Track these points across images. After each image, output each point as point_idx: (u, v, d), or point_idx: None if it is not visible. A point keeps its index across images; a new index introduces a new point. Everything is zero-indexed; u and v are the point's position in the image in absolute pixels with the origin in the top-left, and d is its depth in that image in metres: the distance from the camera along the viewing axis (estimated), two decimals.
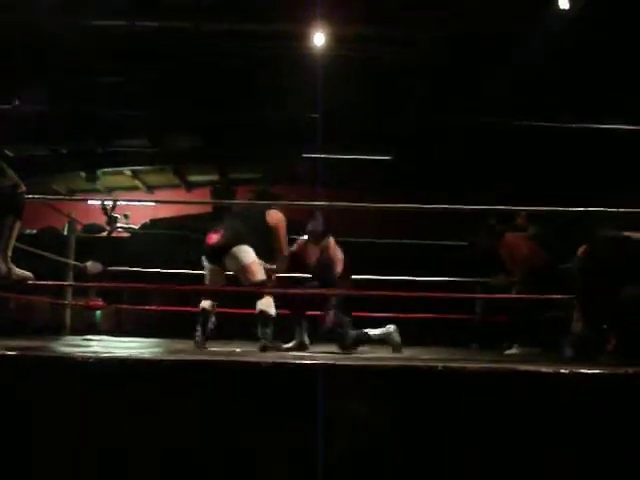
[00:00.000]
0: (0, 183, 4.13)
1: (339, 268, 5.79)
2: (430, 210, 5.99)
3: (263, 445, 2.92)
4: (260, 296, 5.39)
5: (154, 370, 3.08)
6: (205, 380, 3.01)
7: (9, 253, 4.15)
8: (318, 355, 4.58)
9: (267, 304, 5.37)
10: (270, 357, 3.91)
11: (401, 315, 7.55)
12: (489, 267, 7.51)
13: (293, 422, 2.94)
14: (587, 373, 3.03)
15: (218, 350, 4.93)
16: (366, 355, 4.91)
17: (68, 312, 7.46)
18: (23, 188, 4.21)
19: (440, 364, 3.14)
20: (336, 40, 8.66)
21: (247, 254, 5.40)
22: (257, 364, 3.24)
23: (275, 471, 2.92)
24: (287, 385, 3.00)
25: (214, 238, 5.48)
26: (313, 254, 5.82)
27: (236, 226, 5.54)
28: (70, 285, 7.37)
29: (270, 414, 2.95)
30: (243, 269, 5.40)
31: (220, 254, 5.44)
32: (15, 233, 4.16)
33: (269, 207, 5.71)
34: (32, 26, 7.75)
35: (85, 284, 6.52)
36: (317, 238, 5.78)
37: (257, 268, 5.42)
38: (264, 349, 5.11)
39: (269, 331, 5.30)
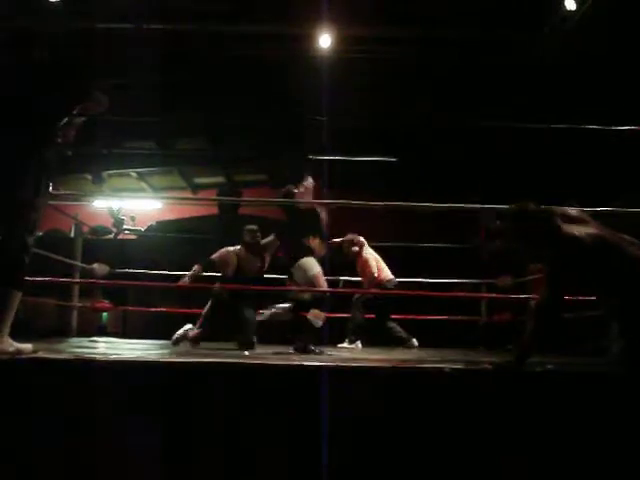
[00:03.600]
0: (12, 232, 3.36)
1: None
2: (439, 209, 5.99)
3: (266, 445, 2.93)
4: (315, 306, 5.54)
5: (161, 372, 3.10)
6: (211, 381, 3.02)
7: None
8: (323, 357, 4.58)
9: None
10: (275, 359, 3.92)
11: (407, 316, 7.56)
12: (495, 268, 7.51)
13: (296, 423, 2.94)
14: None
15: (227, 352, 4.94)
16: (366, 357, 4.90)
17: (75, 314, 7.48)
18: (30, 245, 3.39)
19: (445, 366, 3.15)
20: (342, 42, 8.66)
21: None
22: (264, 366, 3.25)
23: (276, 472, 2.93)
24: (292, 387, 3.01)
25: None
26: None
27: None
28: (77, 284, 7.39)
29: (274, 415, 2.96)
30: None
31: None
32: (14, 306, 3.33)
33: None
34: (37, 30, 7.76)
35: (91, 281, 6.51)
36: None
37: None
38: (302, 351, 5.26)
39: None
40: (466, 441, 2.98)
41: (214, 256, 6.23)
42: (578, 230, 3.43)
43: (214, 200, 14.17)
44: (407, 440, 2.98)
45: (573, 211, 3.55)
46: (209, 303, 6.16)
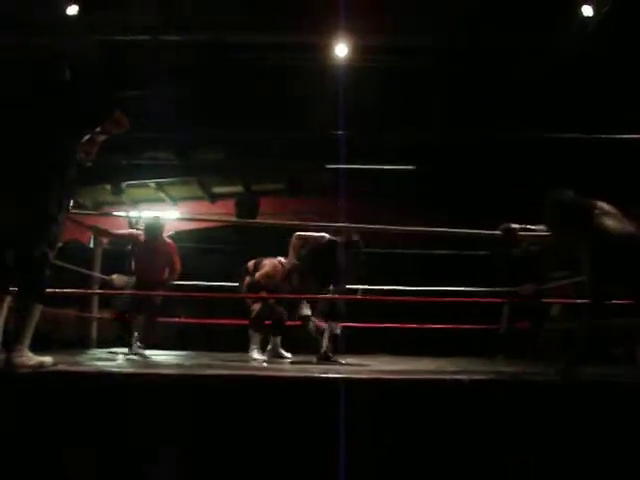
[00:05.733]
0: (34, 243, 3.36)
1: None
2: (455, 234, 5.89)
3: (286, 454, 2.92)
4: None
5: (179, 384, 3.10)
6: (233, 394, 3.02)
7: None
8: (343, 369, 4.56)
9: None
10: (295, 371, 3.91)
11: (426, 326, 7.52)
12: (517, 276, 7.44)
13: (316, 433, 2.93)
14: None
15: (245, 364, 4.94)
16: (386, 368, 4.87)
17: (94, 325, 7.51)
18: (51, 258, 3.43)
19: (466, 377, 3.12)
20: (358, 51, 8.68)
21: None
22: (284, 378, 3.25)
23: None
24: (311, 397, 3.00)
25: None
26: None
27: None
28: (96, 295, 7.43)
29: (294, 425, 2.95)
30: None
31: None
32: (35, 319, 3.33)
33: None
34: (56, 43, 7.85)
35: (110, 292, 6.54)
36: None
37: None
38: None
39: None
40: (495, 454, 2.95)
41: (261, 273, 6.07)
42: (613, 225, 3.32)
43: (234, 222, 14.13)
44: (427, 453, 2.96)
45: (606, 206, 3.45)
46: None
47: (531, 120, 9.17)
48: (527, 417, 2.97)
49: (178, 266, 6.42)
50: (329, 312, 5.90)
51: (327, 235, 5.81)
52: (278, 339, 6.03)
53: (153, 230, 6.24)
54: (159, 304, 6.27)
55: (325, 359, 5.68)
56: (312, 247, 5.80)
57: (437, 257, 8.69)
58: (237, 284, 6.44)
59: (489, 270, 7.91)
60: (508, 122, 9.19)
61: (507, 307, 7.75)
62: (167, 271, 6.33)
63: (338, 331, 5.90)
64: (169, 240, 6.48)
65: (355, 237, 5.73)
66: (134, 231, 6.52)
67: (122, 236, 6.53)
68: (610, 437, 2.95)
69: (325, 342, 5.81)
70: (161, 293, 6.26)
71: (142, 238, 6.29)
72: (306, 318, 5.79)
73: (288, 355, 6.08)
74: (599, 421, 2.97)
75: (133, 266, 6.43)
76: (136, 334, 5.95)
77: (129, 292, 6.13)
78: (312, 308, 5.90)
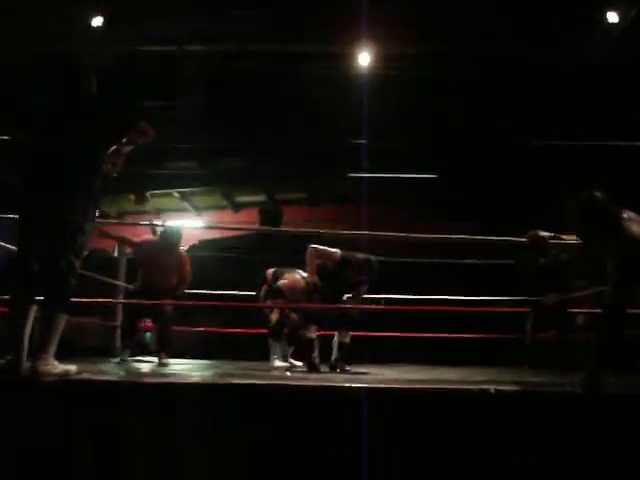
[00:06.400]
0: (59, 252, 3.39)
1: None
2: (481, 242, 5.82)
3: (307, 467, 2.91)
4: None
5: (199, 393, 3.10)
6: (256, 403, 3.01)
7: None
8: (363, 378, 4.54)
9: None
10: (317, 380, 3.89)
11: (450, 335, 7.47)
12: (541, 285, 7.39)
13: (337, 444, 2.91)
14: None
15: (266, 374, 4.93)
16: (405, 377, 4.83)
17: (118, 333, 7.54)
18: (77, 268, 3.44)
19: (491, 387, 3.09)
20: (381, 59, 8.67)
21: None
22: (305, 388, 3.23)
23: None
24: (332, 407, 2.98)
25: None
26: None
27: None
28: (120, 304, 7.47)
29: (316, 436, 2.93)
30: None
31: None
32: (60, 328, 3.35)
33: None
34: (80, 53, 7.92)
35: (134, 302, 6.55)
36: None
37: None
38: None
39: None
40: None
41: (285, 283, 6.01)
42: (639, 231, 3.30)
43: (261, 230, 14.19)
44: (451, 463, 2.92)
45: (632, 213, 3.42)
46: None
47: (554, 128, 9.10)
48: (554, 428, 2.92)
49: (188, 277, 6.39)
50: (340, 321, 5.91)
51: (339, 252, 5.76)
52: (291, 348, 6.05)
53: (171, 238, 6.16)
54: (171, 313, 6.24)
55: (332, 368, 5.66)
56: (324, 266, 5.80)
57: (462, 265, 8.64)
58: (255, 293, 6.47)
59: (515, 279, 7.86)
60: (531, 130, 9.12)
61: (532, 316, 7.70)
62: (175, 279, 6.28)
63: (347, 340, 5.86)
64: (184, 254, 6.47)
65: (370, 258, 5.76)
66: (149, 237, 6.51)
67: (140, 244, 6.48)
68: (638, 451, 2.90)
69: (335, 351, 5.82)
70: (174, 302, 6.25)
71: (155, 244, 6.28)
72: (309, 341, 5.80)
73: (299, 364, 6.07)
74: (626, 434, 2.92)
75: (140, 273, 6.38)
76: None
77: (148, 302, 6.09)
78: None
